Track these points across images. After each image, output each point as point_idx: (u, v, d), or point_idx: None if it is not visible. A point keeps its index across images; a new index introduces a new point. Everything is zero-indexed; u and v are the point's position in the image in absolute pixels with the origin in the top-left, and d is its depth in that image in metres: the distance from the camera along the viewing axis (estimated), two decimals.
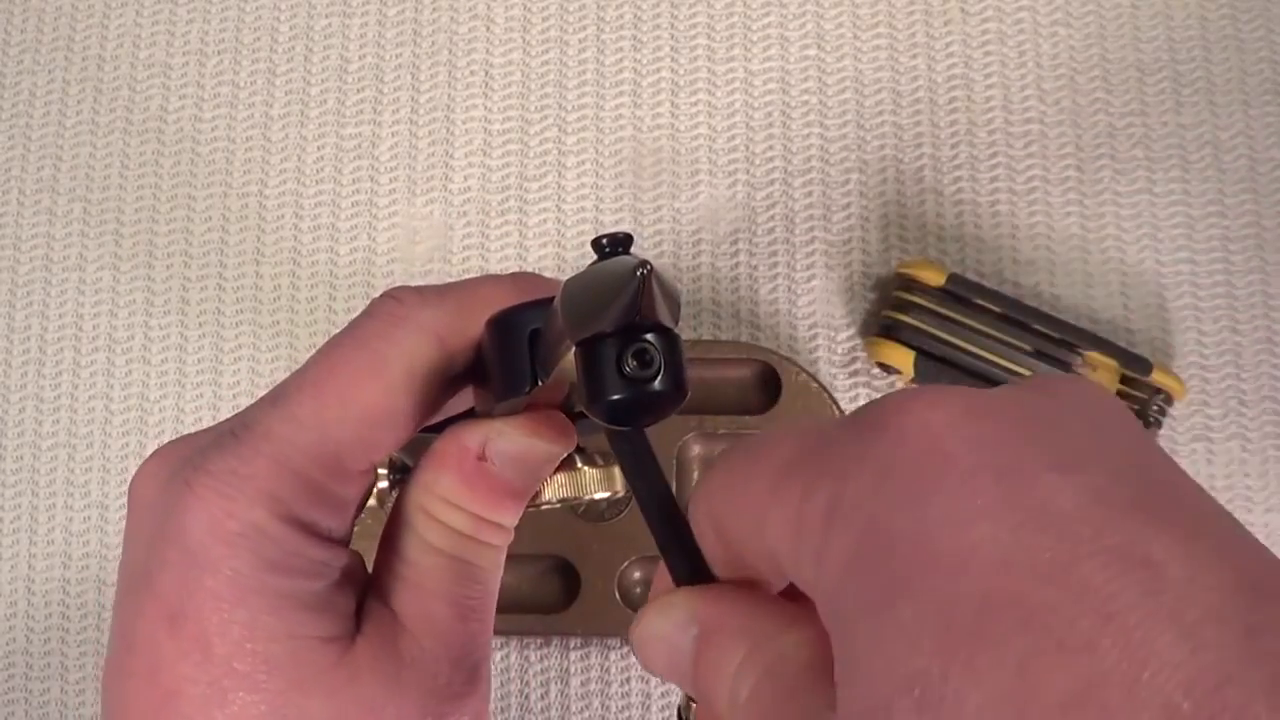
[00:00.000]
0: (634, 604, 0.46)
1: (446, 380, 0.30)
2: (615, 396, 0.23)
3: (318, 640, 0.28)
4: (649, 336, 0.23)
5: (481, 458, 0.30)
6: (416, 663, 0.29)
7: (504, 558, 0.31)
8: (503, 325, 0.28)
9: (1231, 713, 0.18)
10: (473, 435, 0.30)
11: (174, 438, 0.30)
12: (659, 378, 0.23)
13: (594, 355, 0.23)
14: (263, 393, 0.52)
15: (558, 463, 0.31)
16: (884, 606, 0.20)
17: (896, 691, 0.19)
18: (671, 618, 0.26)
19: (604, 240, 0.23)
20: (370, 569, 0.31)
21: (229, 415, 0.31)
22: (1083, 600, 0.19)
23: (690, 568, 0.26)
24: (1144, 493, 0.20)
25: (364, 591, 0.30)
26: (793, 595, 0.25)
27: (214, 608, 0.27)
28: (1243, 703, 0.18)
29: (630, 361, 0.23)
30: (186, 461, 0.28)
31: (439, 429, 0.31)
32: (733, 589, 0.26)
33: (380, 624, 0.29)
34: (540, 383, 0.27)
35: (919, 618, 0.19)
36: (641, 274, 0.21)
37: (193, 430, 0.30)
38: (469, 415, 0.32)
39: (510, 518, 0.31)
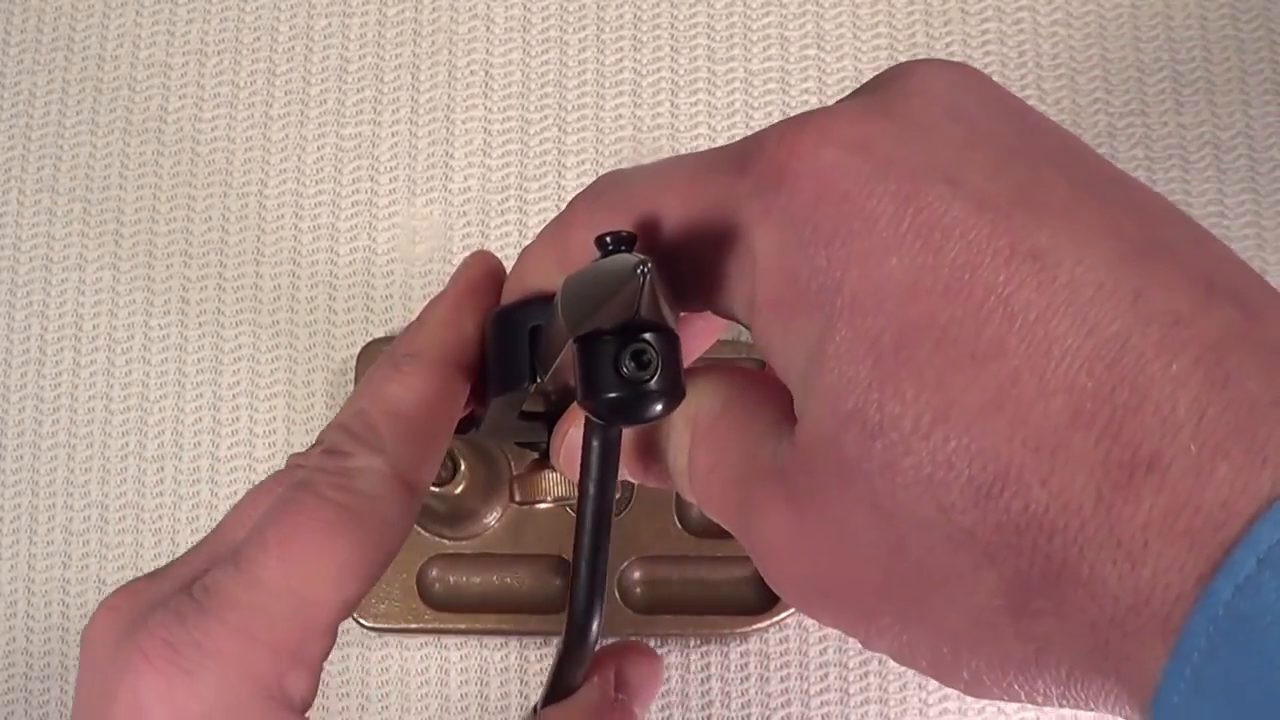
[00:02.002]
0: (634, 604, 0.46)
1: (415, 514, 0.28)
2: (611, 395, 0.23)
3: None
4: (647, 336, 0.23)
5: (616, 695, 0.31)
6: None
7: None
8: (503, 322, 0.28)
9: (1129, 381, 0.19)
10: (606, 669, 0.31)
11: (126, 582, 0.28)
12: (655, 378, 0.23)
13: (591, 352, 0.23)
14: (262, 393, 0.52)
15: (660, 683, 0.33)
16: (818, 351, 0.21)
17: (842, 426, 0.21)
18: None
19: (607, 238, 0.23)
20: None
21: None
22: (984, 307, 0.20)
23: (592, 585, 0.27)
24: (1026, 182, 0.21)
25: None
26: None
27: None
28: (1138, 367, 0.19)
29: (628, 361, 0.23)
30: (139, 622, 0.25)
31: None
32: None
33: None
34: (540, 380, 0.27)
35: (849, 357, 0.21)
36: (641, 273, 0.21)
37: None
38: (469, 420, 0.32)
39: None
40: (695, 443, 0.25)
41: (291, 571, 0.26)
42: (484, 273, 0.30)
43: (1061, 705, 0.21)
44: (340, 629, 0.28)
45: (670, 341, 0.23)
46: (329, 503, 0.26)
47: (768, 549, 0.24)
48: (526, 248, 0.28)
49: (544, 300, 0.27)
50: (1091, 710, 0.21)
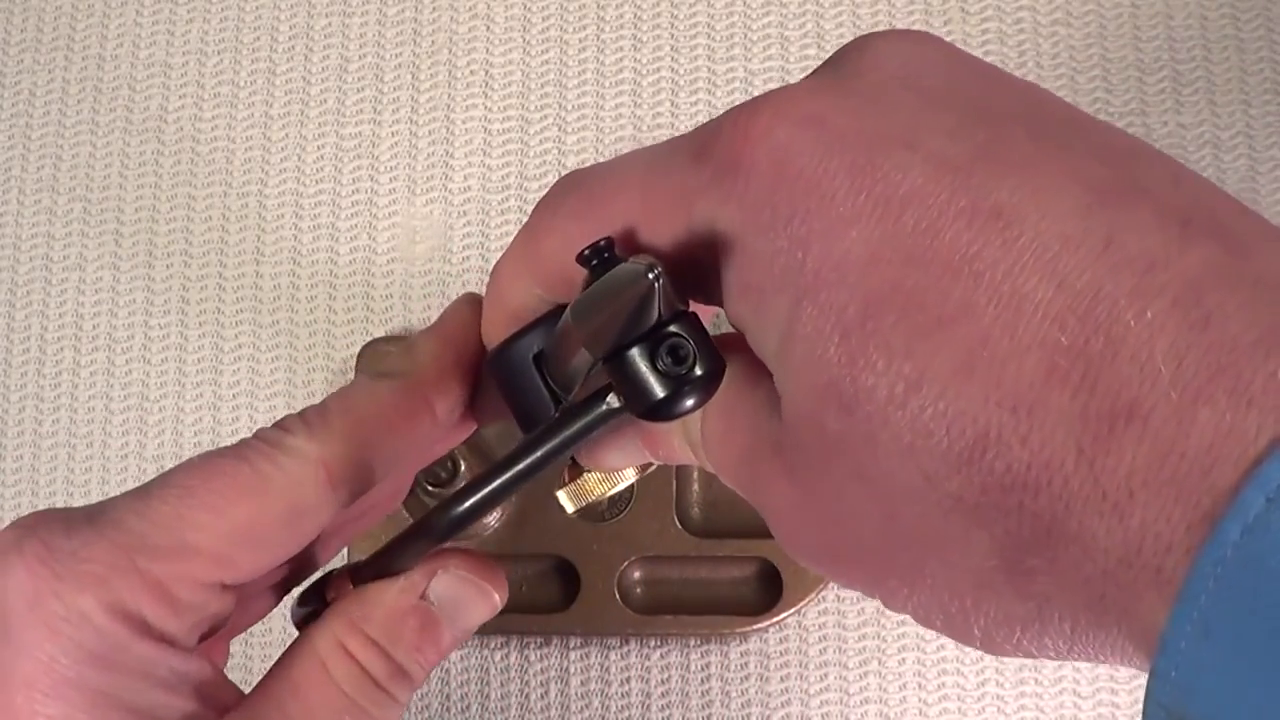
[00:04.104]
0: (634, 604, 0.46)
1: (327, 515, 0.28)
2: (661, 396, 0.23)
3: None
4: (674, 328, 0.23)
5: (424, 598, 0.29)
6: None
7: None
8: (504, 362, 0.28)
9: (1103, 331, 0.19)
10: (416, 575, 0.29)
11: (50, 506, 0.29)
12: (696, 363, 0.23)
13: (626, 365, 0.23)
14: (262, 393, 0.52)
15: (486, 616, 0.30)
16: (789, 331, 0.21)
17: (819, 403, 0.21)
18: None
19: (587, 252, 0.23)
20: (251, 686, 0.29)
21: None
22: (948, 271, 0.20)
23: (481, 485, 0.26)
24: (985, 140, 0.21)
25: (224, 711, 0.28)
26: None
27: (25, 694, 0.25)
28: (1112, 316, 0.19)
29: (665, 359, 0.23)
30: (32, 531, 0.26)
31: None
32: None
33: None
34: (564, 401, 0.27)
35: (817, 335, 0.21)
36: (653, 277, 0.21)
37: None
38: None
39: (424, 671, 0.30)
40: (707, 413, 0.25)
41: (184, 515, 0.26)
42: (473, 312, 0.30)
43: (1073, 659, 0.21)
44: None
45: (693, 321, 0.23)
46: (246, 465, 0.27)
47: (777, 519, 0.24)
48: (497, 264, 0.28)
49: (535, 325, 0.27)
50: (1102, 662, 0.21)
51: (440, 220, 0.51)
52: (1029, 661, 0.47)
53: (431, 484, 0.44)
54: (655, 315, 0.22)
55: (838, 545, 0.23)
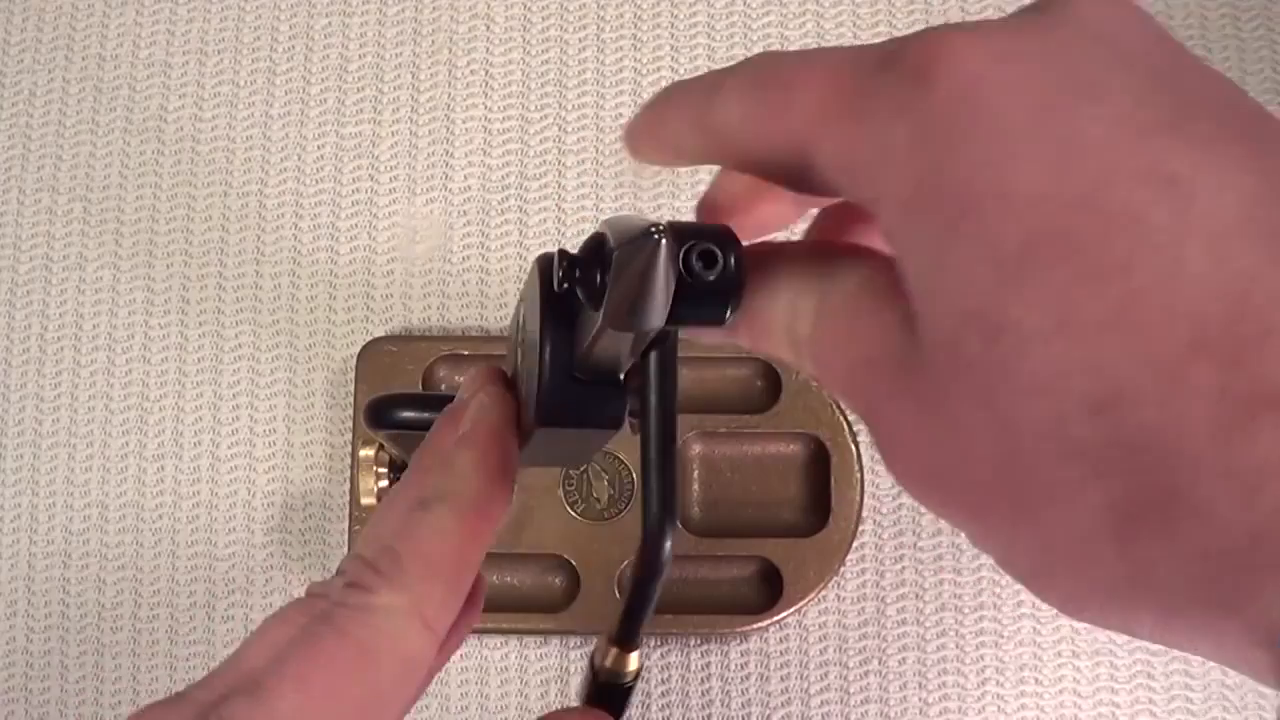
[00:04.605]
0: None
1: (435, 653, 0.28)
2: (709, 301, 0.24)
3: None
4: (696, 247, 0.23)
5: None
6: None
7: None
8: (559, 411, 0.28)
9: (1255, 316, 0.19)
10: None
11: (150, 704, 0.28)
12: (722, 268, 0.24)
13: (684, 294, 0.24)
14: (262, 393, 0.52)
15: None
16: (942, 250, 0.22)
17: (962, 326, 0.21)
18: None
19: (559, 280, 0.24)
20: None
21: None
22: (1115, 224, 0.20)
23: (664, 500, 0.26)
24: (1171, 111, 0.21)
25: None
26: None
27: None
28: (1268, 304, 0.19)
29: (696, 262, 0.23)
30: None
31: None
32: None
33: None
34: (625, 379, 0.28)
35: (973, 259, 0.21)
36: (658, 235, 0.21)
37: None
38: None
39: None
40: (825, 314, 0.25)
41: (308, 708, 0.26)
42: (502, 416, 0.30)
43: (1155, 639, 0.21)
44: None
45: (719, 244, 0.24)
46: (350, 639, 0.27)
47: (888, 436, 0.24)
48: (668, 101, 0.28)
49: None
50: (1189, 651, 0.21)
51: (440, 219, 0.51)
52: (1029, 661, 0.47)
53: None
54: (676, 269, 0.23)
55: (947, 471, 0.23)
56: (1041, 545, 0.22)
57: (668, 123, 0.28)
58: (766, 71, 0.25)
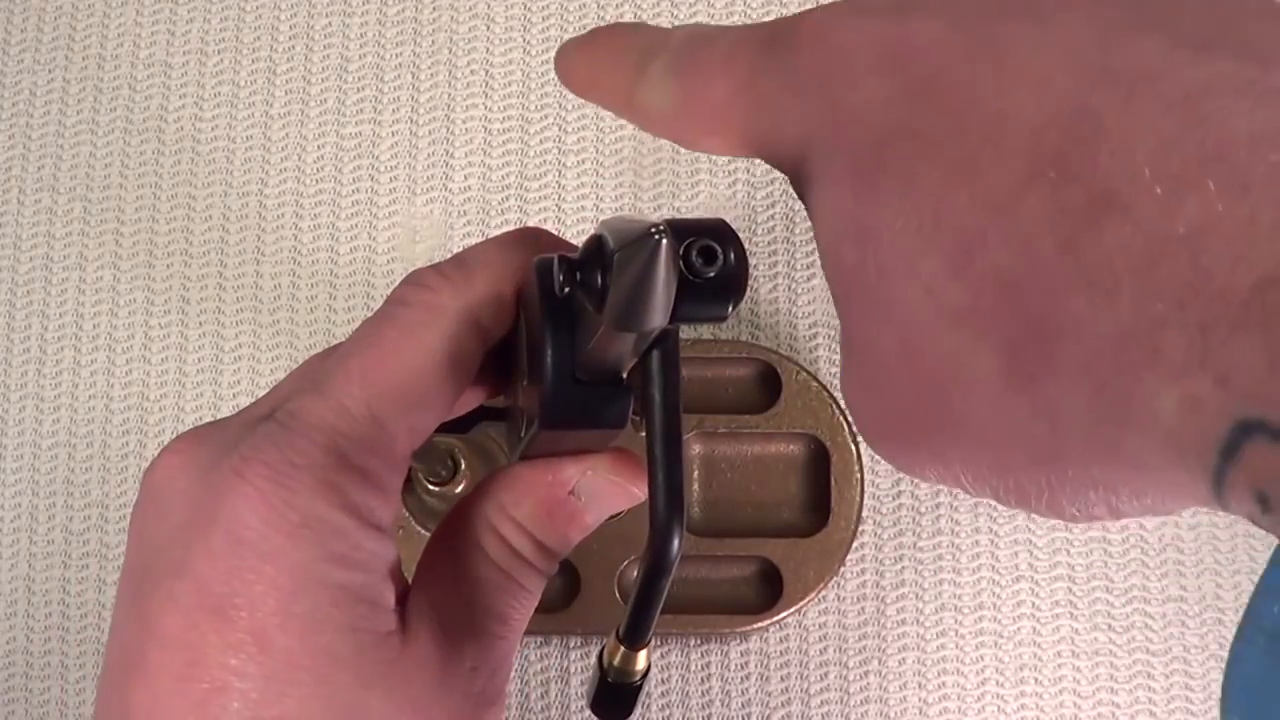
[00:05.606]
0: None
1: (479, 363, 0.30)
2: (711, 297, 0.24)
3: (378, 635, 0.27)
4: (697, 243, 0.24)
5: (571, 493, 0.30)
6: (459, 668, 0.29)
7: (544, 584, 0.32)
8: (563, 411, 0.28)
9: (1085, 137, 0.19)
10: (568, 470, 0.30)
11: (186, 430, 0.30)
12: (722, 263, 0.24)
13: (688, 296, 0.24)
14: (262, 393, 0.52)
15: (627, 506, 0.32)
16: (821, 186, 0.24)
17: (839, 241, 0.23)
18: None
19: (560, 285, 0.24)
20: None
21: (228, 414, 0.30)
22: (949, 103, 0.21)
23: (671, 496, 0.26)
24: (999, 4, 0.22)
25: (403, 588, 0.29)
26: None
27: (274, 599, 0.26)
28: (1094, 124, 0.19)
29: (696, 259, 0.24)
30: (230, 450, 0.27)
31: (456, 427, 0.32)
32: None
33: (427, 625, 0.29)
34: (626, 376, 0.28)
35: (836, 177, 0.23)
36: (658, 234, 0.22)
37: (192, 425, 0.30)
38: (487, 413, 0.33)
39: (570, 546, 0.32)
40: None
41: (374, 402, 0.27)
42: (529, 230, 0.32)
43: (1084, 494, 0.21)
44: None
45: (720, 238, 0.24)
46: (408, 336, 0.28)
47: (845, 398, 0.25)
48: (591, 56, 0.29)
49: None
50: (1165, 510, 0.20)
51: (440, 220, 0.51)
52: (1029, 661, 0.47)
53: (433, 482, 0.44)
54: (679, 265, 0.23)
55: (882, 412, 0.24)
56: (980, 447, 0.22)
57: (600, 90, 0.29)
58: (685, 60, 0.26)
